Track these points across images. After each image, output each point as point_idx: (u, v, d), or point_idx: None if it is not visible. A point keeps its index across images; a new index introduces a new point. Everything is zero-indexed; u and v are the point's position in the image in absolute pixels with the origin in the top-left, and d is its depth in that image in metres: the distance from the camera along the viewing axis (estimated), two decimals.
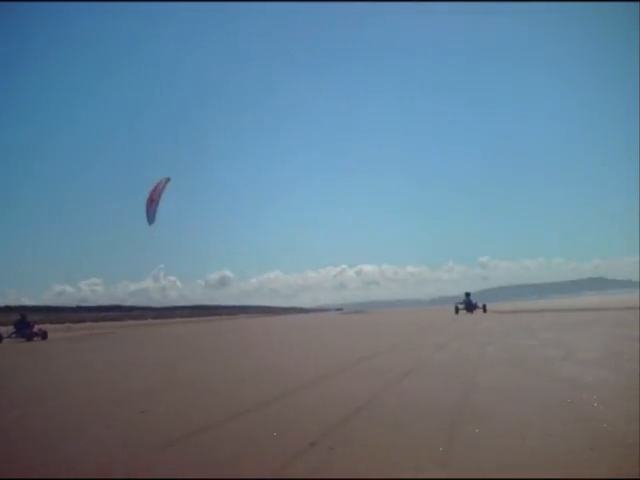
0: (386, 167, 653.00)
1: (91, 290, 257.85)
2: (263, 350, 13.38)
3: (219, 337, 22.54)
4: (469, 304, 36.56)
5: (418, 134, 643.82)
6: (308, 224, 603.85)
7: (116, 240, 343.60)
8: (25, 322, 27.04)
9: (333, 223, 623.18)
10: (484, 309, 35.46)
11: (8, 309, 65.94)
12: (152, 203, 28.71)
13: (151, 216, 28.46)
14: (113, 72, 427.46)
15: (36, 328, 27.17)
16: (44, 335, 26.50)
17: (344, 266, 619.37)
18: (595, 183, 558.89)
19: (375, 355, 9.69)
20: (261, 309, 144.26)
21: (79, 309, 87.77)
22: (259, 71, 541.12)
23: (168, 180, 29.47)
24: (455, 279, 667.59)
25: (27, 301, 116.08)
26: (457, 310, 35.84)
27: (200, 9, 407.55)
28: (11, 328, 26.78)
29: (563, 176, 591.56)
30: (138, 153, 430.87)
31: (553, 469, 3.00)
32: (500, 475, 2.97)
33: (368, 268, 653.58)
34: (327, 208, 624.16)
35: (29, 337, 25.93)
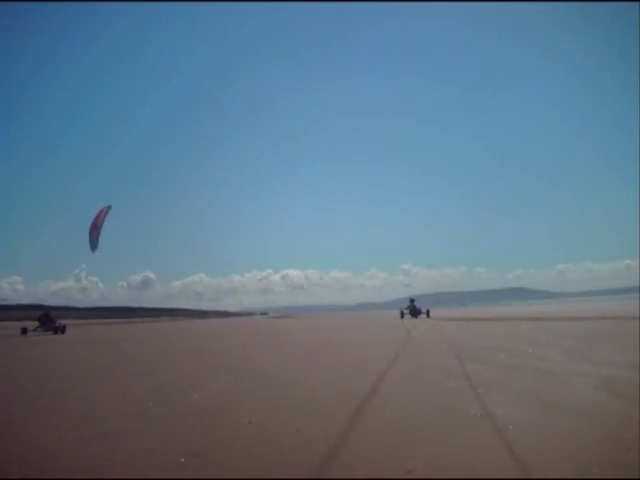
0: (312, 173, 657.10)
1: (12, 289, 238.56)
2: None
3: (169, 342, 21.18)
4: (414, 309, 37.32)
5: (350, 139, 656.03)
6: (234, 227, 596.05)
7: (39, 238, 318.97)
8: (49, 317, 30.25)
9: (259, 227, 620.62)
10: (427, 314, 36.11)
11: None
12: (95, 230, 30.12)
13: (94, 243, 29.80)
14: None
15: (57, 323, 30.20)
16: (63, 330, 29.52)
17: (269, 270, 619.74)
18: (524, 198, 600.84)
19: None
20: (185, 312, 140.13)
21: None
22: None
23: (109, 208, 30.89)
24: (378, 285, 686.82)
25: None
26: (402, 315, 36.65)
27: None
28: (36, 323, 29.89)
29: (494, 188, 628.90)
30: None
31: None
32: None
33: (293, 273, 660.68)
34: (253, 212, 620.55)
35: (55, 331, 29.04)
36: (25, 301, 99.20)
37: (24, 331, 28.43)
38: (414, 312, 37.04)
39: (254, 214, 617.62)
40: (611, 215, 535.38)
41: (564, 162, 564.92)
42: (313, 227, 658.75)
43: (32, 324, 30.01)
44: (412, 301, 38.68)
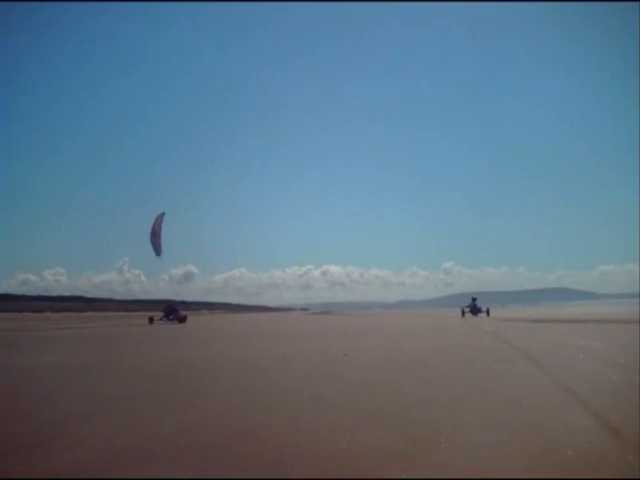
0: (353, 172, 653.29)
1: (55, 280, 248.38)
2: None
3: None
4: (475, 308, 38.36)
5: (390, 140, 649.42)
6: (275, 222, 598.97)
7: (82, 231, 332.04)
8: (174, 309, 35.54)
9: (300, 222, 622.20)
10: (488, 313, 36.78)
11: None
12: (155, 237, 32.94)
13: (158, 248, 32.94)
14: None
15: (181, 313, 35.01)
16: (184, 319, 34.35)
17: (310, 266, 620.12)
18: (564, 199, 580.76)
19: None
20: (226, 306, 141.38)
21: (40, 298, 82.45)
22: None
23: (164, 215, 33.69)
24: (419, 284, 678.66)
25: None
26: (463, 313, 37.85)
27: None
28: (161, 313, 35.12)
29: (539, 192, 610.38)
30: (107, 143, 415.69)
31: None
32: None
33: (334, 269, 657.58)
34: (295, 207, 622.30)
35: (180, 320, 33.85)
36: (67, 292, 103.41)
37: (151, 320, 32.92)
38: (474, 310, 38.08)
39: (294, 209, 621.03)
40: None
41: (605, 165, 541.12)
42: (355, 224, 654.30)
43: (158, 315, 35.00)
44: (474, 300, 39.22)
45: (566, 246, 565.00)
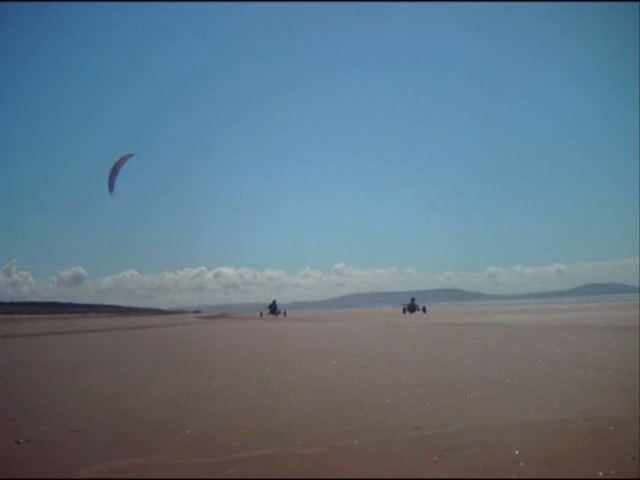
0: (242, 172, 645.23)
1: None
2: None
3: None
4: (412, 306, 43.87)
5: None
6: (166, 224, 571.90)
7: None
8: (274, 306, 47.52)
9: (191, 224, 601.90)
10: (424, 310, 42.70)
11: None
12: (114, 174, 30.93)
13: (112, 185, 30.88)
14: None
15: (281, 310, 48.22)
16: (285, 313, 47.83)
17: (202, 268, 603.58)
18: (457, 203, 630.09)
19: None
20: (116, 309, 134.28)
21: None
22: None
23: (131, 156, 31.81)
24: (312, 285, 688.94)
25: None
26: (404, 310, 43.53)
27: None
28: (267, 309, 48.01)
29: (423, 191, 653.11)
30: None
31: None
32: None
33: (227, 270, 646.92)
34: (187, 209, 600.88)
35: (276, 314, 46.59)
36: None
37: (261, 314, 47.51)
38: (412, 308, 43.35)
39: (186, 210, 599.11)
40: (543, 221, 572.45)
41: (497, 167, 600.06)
42: (248, 224, 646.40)
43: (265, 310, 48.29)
44: (412, 300, 44.97)
45: (455, 247, 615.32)
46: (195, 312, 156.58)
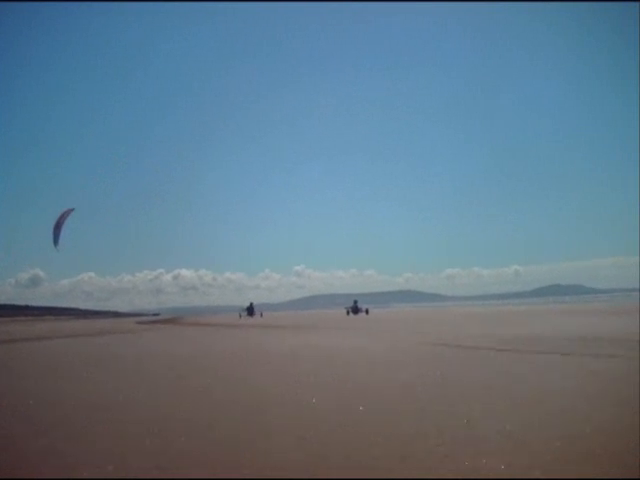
0: (206, 177, 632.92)
1: None
2: None
3: None
4: (356, 308, 45.32)
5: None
6: (123, 226, 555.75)
7: None
8: (252, 308, 51.13)
9: (149, 226, 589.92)
10: (367, 312, 43.89)
11: None
12: (57, 229, 33.17)
13: (56, 239, 33.09)
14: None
15: (258, 311, 53.41)
16: (261, 315, 52.68)
17: (161, 270, 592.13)
18: (407, 205, 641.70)
19: None
20: (74, 312, 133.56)
21: None
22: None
23: (72, 210, 34.13)
24: (272, 287, 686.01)
25: None
26: (348, 312, 44.69)
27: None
28: (244, 311, 51.47)
29: (386, 194, 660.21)
30: None
31: None
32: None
33: (185, 273, 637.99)
34: (143, 210, 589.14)
35: (253, 315, 50.64)
36: None
37: (240, 316, 49.34)
38: (355, 310, 44.98)
39: (143, 212, 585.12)
40: (500, 224, 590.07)
41: (449, 172, 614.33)
42: (205, 226, 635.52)
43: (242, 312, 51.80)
44: (355, 302, 47.23)
45: (413, 249, 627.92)
46: (154, 315, 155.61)
